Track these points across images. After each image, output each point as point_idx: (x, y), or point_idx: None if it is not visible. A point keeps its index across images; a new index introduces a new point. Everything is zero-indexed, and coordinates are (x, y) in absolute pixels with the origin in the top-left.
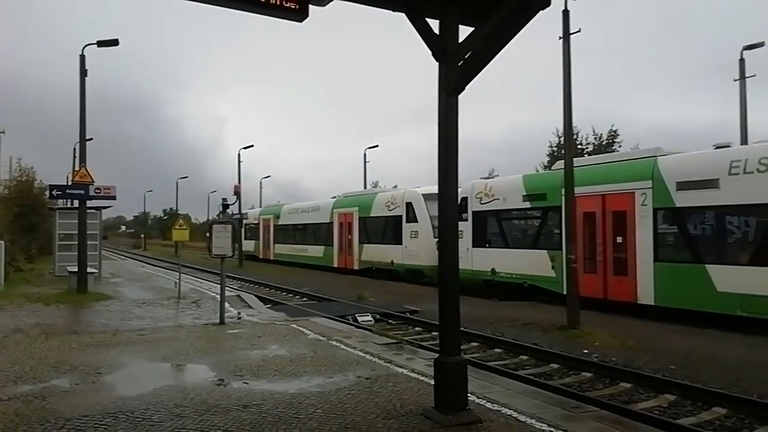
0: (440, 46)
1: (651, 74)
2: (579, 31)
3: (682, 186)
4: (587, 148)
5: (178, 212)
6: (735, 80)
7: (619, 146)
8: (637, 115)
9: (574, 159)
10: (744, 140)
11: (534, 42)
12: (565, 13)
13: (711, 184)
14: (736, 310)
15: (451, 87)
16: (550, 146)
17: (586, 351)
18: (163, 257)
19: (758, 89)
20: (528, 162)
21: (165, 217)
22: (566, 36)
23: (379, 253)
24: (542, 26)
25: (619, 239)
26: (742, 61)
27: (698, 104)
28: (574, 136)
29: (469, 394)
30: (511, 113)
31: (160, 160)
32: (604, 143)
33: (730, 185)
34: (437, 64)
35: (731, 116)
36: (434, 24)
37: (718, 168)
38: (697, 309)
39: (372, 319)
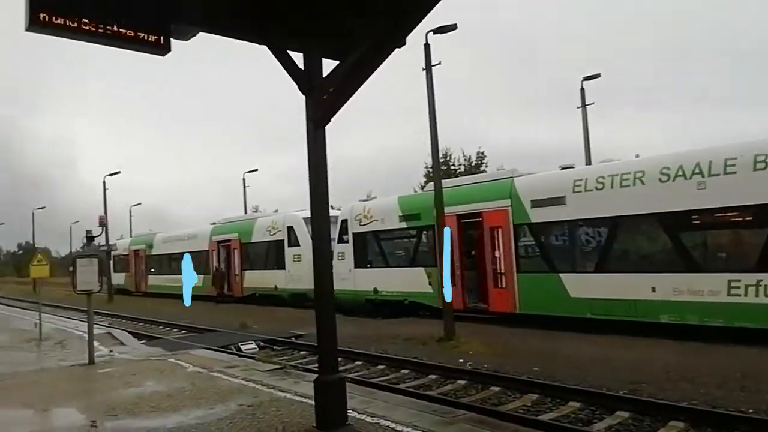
0: (305, 81)
1: (504, 99)
2: (440, 64)
3: (536, 203)
4: (459, 168)
5: (36, 246)
6: (578, 107)
7: (486, 166)
8: (495, 135)
9: (444, 180)
10: (588, 160)
11: (400, 69)
12: (426, 46)
13: (559, 201)
14: (587, 313)
15: (318, 119)
16: (426, 167)
17: (461, 360)
18: (20, 296)
19: (596, 113)
20: (406, 183)
21: (20, 252)
22: (428, 67)
23: (262, 278)
24: (406, 57)
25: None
26: (582, 90)
27: (545, 126)
28: (447, 158)
29: (350, 410)
30: (383, 134)
31: (9, 190)
32: (473, 164)
33: (574, 202)
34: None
35: (574, 136)
36: (299, 57)
37: (564, 187)
38: (554, 314)
39: (256, 346)
